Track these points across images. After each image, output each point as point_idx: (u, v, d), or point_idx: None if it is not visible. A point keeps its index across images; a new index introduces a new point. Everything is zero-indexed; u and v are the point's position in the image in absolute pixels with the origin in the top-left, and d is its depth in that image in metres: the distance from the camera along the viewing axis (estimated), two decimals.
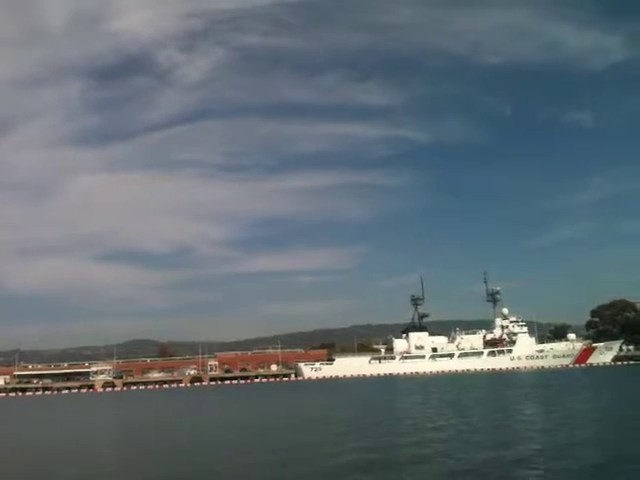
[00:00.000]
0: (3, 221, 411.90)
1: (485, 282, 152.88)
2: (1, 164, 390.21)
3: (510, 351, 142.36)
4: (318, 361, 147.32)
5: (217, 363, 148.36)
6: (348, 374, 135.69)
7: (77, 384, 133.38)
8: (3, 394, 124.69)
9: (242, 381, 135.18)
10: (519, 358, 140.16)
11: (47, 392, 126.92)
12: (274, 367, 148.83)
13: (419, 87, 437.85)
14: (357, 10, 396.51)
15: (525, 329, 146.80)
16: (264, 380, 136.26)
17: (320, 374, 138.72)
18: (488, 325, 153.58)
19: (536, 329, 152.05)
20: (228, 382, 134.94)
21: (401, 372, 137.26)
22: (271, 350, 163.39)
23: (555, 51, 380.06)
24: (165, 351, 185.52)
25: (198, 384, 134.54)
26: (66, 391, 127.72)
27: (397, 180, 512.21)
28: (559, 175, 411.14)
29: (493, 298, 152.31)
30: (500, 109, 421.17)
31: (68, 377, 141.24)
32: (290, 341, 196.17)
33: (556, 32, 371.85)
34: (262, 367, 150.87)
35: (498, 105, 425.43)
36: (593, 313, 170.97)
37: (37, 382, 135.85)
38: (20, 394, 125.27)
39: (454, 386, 72.81)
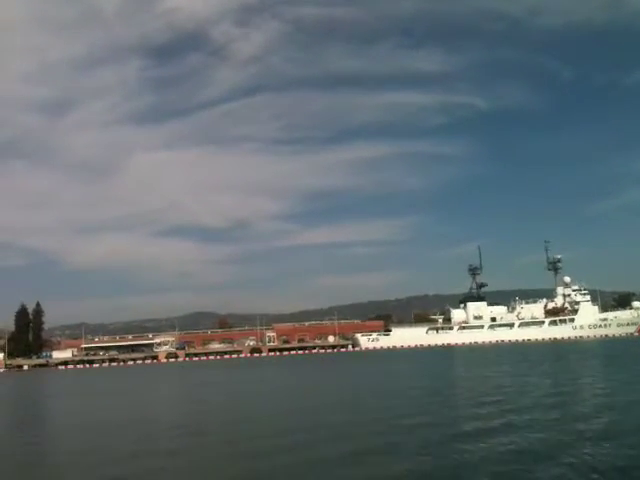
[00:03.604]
0: (66, 200, 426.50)
1: (546, 251, 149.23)
2: (62, 144, 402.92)
3: (572, 320, 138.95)
4: (375, 332, 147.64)
5: (275, 334, 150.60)
6: (405, 344, 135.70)
7: (142, 355, 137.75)
8: (71, 366, 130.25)
9: (300, 352, 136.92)
10: (582, 327, 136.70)
11: (113, 364, 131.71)
12: (331, 338, 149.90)
13: (475, 52, 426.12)
14: None
15: (588, 297, 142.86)
16: (322, 351, 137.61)
17: (377, 344, 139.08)
18: (549, 294, 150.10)
19: (599, 297, 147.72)
20: (286, 353, 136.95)
21: (459, 342, 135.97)
22: (328, 322, 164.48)
23: (616, 9, 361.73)
24: (225, 323, 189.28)
25: (257, 355, 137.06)
26: (131, 362, 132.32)
27: (453, 148, 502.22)
28: (622, 139, 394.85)
29: (554, 267, 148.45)
30: (559, 73, 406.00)
31: (133, 349, 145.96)
32: (346, 313, 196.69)
33: None
34: (319, 338, 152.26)
35: (557, 69, 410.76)
36: None
37: (103, 354, 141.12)
38: (87, 366, 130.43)
39: (548, 356, 68.81)
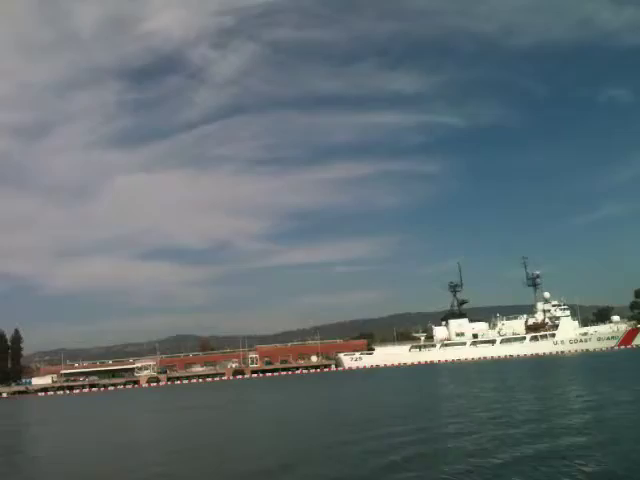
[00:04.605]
0: (44, 223, 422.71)
1: (525, 266, 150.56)
2: (41, 167, 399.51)
3: (553, 335, 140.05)
4: (358, 351, 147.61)
5: (258, 356, 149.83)
6: (389, 363, 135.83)
7: (122, 380, 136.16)
8: (51, 392, 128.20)
9: (283, 372, 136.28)
10: (562, 342, 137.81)
11: (94, 389, 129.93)
12: (314, 358, 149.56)
13: (451, 72, 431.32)
14: None
15: (568, 312, 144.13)
16: (305, 371, 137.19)
17: (360, 364, 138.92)
18: (529, 310, 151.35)
19: (579, 312, 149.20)
20: (270, 374, 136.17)
21: (442, 359, 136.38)
22: (310, 341, 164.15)
23: (588, 28, 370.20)
24: (206, 345, 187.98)
25: (240, 377, 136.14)
26: (112, 387, 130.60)
27: (432, 167, 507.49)
28: (597, 154, 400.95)
29: (533, 282, 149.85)
30: (534, 90, 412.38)
31: (113, 374, 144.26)
32: (328, 332, 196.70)
33: (588, 9, 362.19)
34: (302, 358, 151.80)
35: (532, 86, 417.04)
36: (637, 293, 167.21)
37: (83, 379, 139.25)
38: (67, 392, 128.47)
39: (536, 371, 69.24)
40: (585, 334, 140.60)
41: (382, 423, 27.15)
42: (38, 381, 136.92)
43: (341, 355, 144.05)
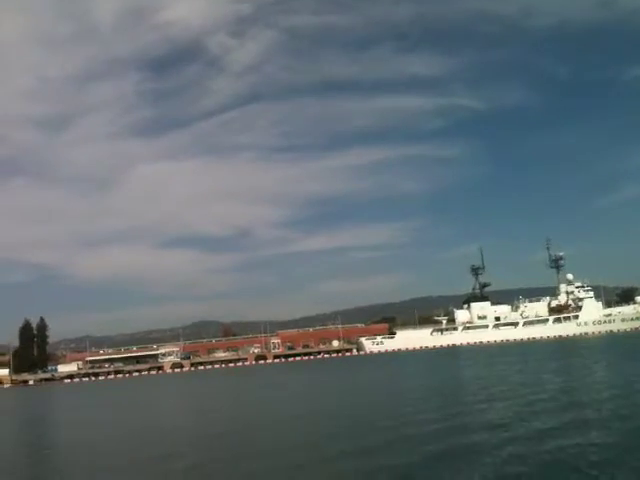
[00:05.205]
0: (68, 214, 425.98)
1: (548, 249, 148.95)
2: (63, 159, 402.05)
3: (576, 317, 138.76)
4: (379, 335, 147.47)
5: (279, 341, 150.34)
6: (410, 347, 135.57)
7: (147, 366, 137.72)
8: (77, 379, 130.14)
9: (305, 357, 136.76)
10: (586, 324, 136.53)
11: (119, 375, 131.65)
12: (335, 343, 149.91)
13: (470, 54, 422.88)
14: None
15: (591, 294, 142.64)
16: (326, 356, 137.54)
17: (382, 348, 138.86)
18: (552, 292, 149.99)
19: (602, 293, 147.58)
20: (292, 359, 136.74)
21: (464, 342, 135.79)
22: (332, 326, 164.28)
23: (609, 7, 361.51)
24: (229, 331, 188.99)
25: (262, 362, 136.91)
26: (136, 373, 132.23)
27: (452, 150, 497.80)
28: (620, 134, 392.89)
29: (556, 264, 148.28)
30: (555, 71, 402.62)
31: (138, 360, 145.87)
32: (349, 317, 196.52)
33: None
34: (324, 343, 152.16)
35: (553, 67, 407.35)
36: None
37: (108, 366, 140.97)
38: (93, 378, 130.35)
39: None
40: (609, 315, 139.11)
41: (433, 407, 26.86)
42: (64, 368, 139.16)
43: (362, 339, 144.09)
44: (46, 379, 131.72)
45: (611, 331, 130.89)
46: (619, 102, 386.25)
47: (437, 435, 19.26)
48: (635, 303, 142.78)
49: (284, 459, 17.27)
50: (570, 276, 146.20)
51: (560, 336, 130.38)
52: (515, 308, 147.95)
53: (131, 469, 18.01)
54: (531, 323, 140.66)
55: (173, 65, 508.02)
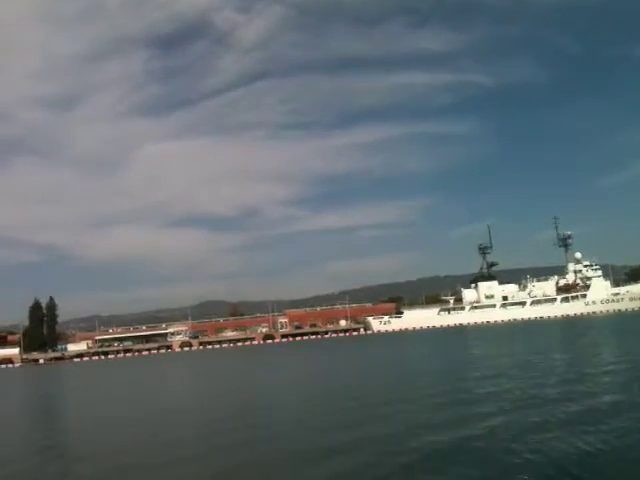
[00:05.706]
0: (76, 195, 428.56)
1: (556, 227, 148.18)
2: (70, 139, 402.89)
3: (584, 296, 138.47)
4: (386, 315, 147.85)
5: (287, 320, 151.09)
6: (417, 326, 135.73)
7: (156, 345, 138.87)
8: (86, 358, 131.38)
9: (312, 337, 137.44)
10: (594, 303, 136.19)
11: (128, 354, 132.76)
12: (343, 322, 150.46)
13: (480, 29, 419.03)
14: None
15: (599, 272, 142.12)
16: (334, 335, 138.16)
17: (389, 327, 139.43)
18: (560, 271, 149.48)
19: (611, 272, 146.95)
20: (299, 338, 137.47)
21: (471, 322, 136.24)
22: (339, 306, 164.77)
23: None
24: (236, 311, 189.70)
25: (270, 341, 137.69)
26: (146, 352, 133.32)
27: (460, 128, 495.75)
28: (630, 112, 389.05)
29: (565, 243, 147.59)
30: (566, 48, 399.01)
31: (147, 339, 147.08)
32: (357, 296, 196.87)
33: None
34: (331, 323, 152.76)
35: (564, 44, 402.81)
36: None
37: (118, 345, 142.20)
38: (102, 357, 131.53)
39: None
40: (617, 294, 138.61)
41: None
42: (74, 347, 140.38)
43: (370, 319, 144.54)
44: (56, 358, 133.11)
45: (619, 310, 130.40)
46: (630, 78, 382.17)
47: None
48: None
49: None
50: (578, 255, 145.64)
51: (568, 315, 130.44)
52: (523, 287, 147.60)
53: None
54: (539, 302, 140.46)
55: (180, 43, 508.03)
